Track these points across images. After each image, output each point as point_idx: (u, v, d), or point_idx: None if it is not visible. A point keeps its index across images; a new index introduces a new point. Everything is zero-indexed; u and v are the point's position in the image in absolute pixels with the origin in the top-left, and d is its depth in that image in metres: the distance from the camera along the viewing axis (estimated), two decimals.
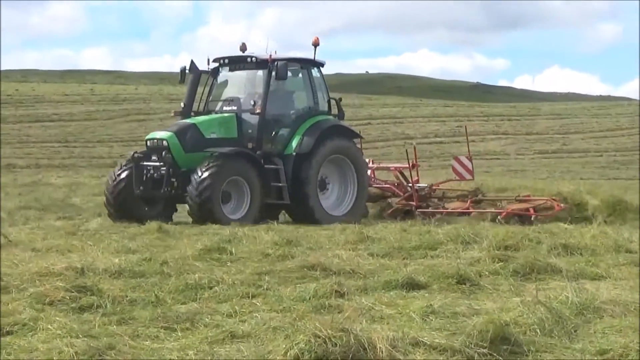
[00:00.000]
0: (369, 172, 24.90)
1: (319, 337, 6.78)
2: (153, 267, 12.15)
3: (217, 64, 23.95)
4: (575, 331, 8.32)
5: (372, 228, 17.20)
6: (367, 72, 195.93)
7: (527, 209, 22.26)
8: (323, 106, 23.76)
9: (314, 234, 16.69)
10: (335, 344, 6.73)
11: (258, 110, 22.54)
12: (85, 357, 7.42)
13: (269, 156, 22.60)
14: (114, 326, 8.79)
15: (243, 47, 23.87)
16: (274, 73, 22.57)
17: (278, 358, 6.72)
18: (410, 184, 24.51)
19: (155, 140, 22.23)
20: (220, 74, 24.12)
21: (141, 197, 22.06)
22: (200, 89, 23.90)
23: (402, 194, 24.64)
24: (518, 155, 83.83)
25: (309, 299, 9.91)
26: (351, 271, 11.71)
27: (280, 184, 22.32)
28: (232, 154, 21.88)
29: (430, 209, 23.44)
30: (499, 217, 21.39)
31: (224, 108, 23.39)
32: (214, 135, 22.33)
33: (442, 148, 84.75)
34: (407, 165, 24.79)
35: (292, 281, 11.14)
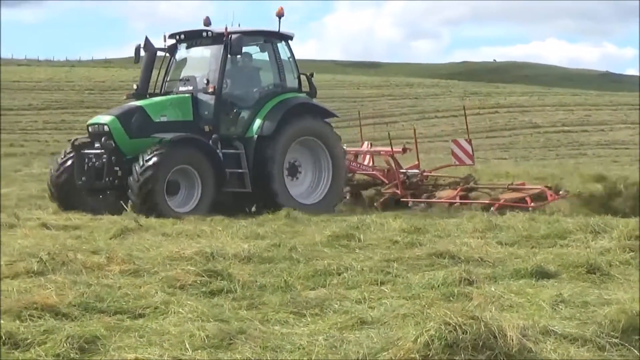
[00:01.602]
0: (367, 157, 23.69)
1: (449, 325, 6.73)
2: (282, 253, 12.20)
3: (174, 41, 21.73)
4: None
5: (500, 217, 16.96)
6: (494, 60, 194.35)
7: (522, 199, 20.71)
8: (291, 83, 21.60)
9: (441, 222, 16.57)
10: (465, 332, 6.68)
11: (211, 90, 20.39)
12: (216, 341, 7.48)
13: (229, 140, 20.60)
14: (244, 311, 8.85)
15: (206, 21, 21.57)
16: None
17: (408, 345, 6.68)
18: (402, 170, 22.81)
19: (97, 126, 20.21)
20: (178, 52, 21.90)
21: (84, 189, 20.10)
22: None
23: (387, 181, 22.83)
24: None
25: (438, 286, 9.86)
26: (479, 259, 11.63)
27: (240, 170, 20.30)
28: (179, 140, 19.76)
29: (414, 199, 21.89)
30: (492, 208, 19.93)
31: (180, 88, 21.17)
32: (164, 119, 20.32)
33: (570, 137, 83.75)
34: (399, 150, 23.26)
35: (420, 268, 11.09)
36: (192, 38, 21.44)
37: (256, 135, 20.37)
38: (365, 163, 23.66)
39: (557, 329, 7.39)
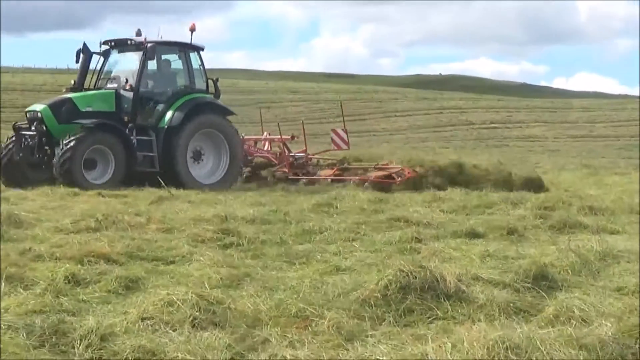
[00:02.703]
0: (266, 143, 22.77)
1: (403, 272, 6.75)
2: (278, 217, 12.19)
3: (107, 47, 20.60)
4: (598, 272, 8.17)
5: (442, 191, 16.95)
6: (440, 73, 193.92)
7: (389, 176, 19.74)
8: (200, 86, 20.58)
9: (399, 196, 16.59)
10: (415, 277, 6.70)
11: (128, 87, 19.56)
12: (227, 282, 7.51)
13: (144, 129, 19.57)
14: (249, 259, 8.86)
15: (138, 32, 20.33)
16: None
17: (372, 286, 6.71)
18: (291, 154, 21.93)
19: (33, 112, 19.40)
20: (111, 55, 20.65)
21: (20, 163, 19.10)
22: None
23: (276, 162, 21.82)
24: (554, 139, 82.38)
25: (395, 243, 9.87)
26: (427, 223, 11.63)
27: (151, 154, 19.37)
28: (95, 125, 18.84)
29: (299, 176, 20.73)
30: (366, 183, 18.90)
31: (108, 85, 20.15)
32: (89, 109, 19.27)
33: (496, 132, 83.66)
34: (289, 137, 22.47)
35: (382, 230, 11.09)
36: (121, 45, 20.55)
37: (166, 126, 19.52)
38: (265, 148, 22.71)
39: (484, 276, 7.39)
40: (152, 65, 20.36)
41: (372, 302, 6.53)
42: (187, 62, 20.57)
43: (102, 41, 20.58)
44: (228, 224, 10.81)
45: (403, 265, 6.83)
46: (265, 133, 23.31)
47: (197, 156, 20.13)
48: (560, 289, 7.34)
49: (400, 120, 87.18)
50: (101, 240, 9.21)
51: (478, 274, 7.44)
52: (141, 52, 19.72)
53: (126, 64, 20.54)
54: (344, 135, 21.86)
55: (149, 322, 5.91)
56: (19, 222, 10.70)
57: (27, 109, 19.99)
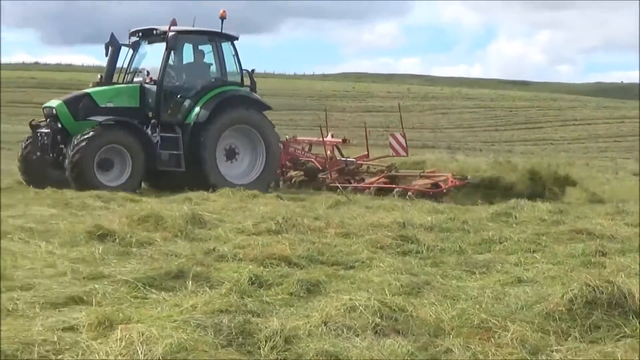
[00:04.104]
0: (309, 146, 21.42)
1: (589, 286, 6.57)
2: (456, 225, 12.06)
3: (136, 38, 19.41)
4: None
5: (627, 203, 16.36)
6: (621, 82, 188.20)
7: (434, 184, 18.46)
8: (233, 78, 19.32)
9: (579, 207, 16.15)
10: (602, 292, 6.50)
11: (148, 80, 18.52)
12: (408, 289, 7.49)
13: (170, 125, 18.40)
14: (429, 267, 8.82)
15: (173, 22, 19.14)
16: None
17: (556, 300, 6.55)
18: (344, 159, 20.61)
19: (48, 109, 18.35)
20: (140, 47, 19.43)
21: (38, 162, 18.04)
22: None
23: (320, 167, 20.43)
24: None
25: (578, 256, 9.60)
26: (611, 236, 11.25)
27: (177, 152, 18.14)
28: (110, 123, 17.64)
29: (342, 183, 19.07)
30: (409, 193, 17.64)
31: (134, 79, 18.97)
32: (110, 105, 18.15)
33: None
34: (339, 141, 21.15)
35: (563, 241, 10.79)
36: (148, 36, 19.21)
37: (193, 122, 18.33)
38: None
39: None
40: (178, 56, 19.27)
41: (557, 316, 6.39)
42: (219, 53, 19.23)
43: (130, 32, 19.38)
44: (406, 231, 10.78)
45: (589, 280, 6.65)
46: (329, 134, 22.02)
47: (231, 154, 18.98)
48: None
49: (579, 129, 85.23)
50: (282, 243, 9.33)
51: None
52: (164, 43, 18.49)
53: (153, 56, 19.23)
54: (403, 141, 20.67)
55: (331, 326, 5.97)
56: (203, 222, 11.02)
57: (43, 105, 18.98)
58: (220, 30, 19.01)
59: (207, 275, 7.57)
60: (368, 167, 20.84)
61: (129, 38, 19.25)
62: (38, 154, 17.95)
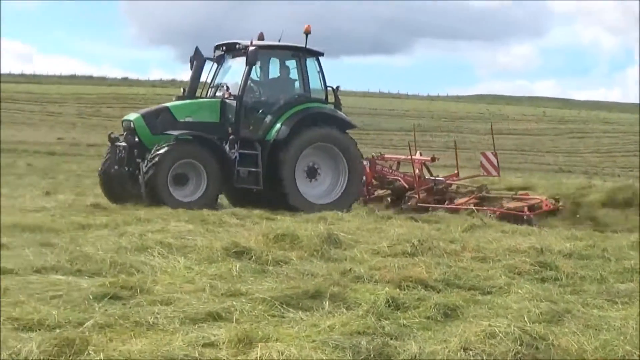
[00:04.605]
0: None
1: None
2: (596, 252, 11.69)
3: (220, 52, 19.04)
4: None
5: None
6: None
7: (521, 209, 17.64)
8: (317, 94, 18.70)
9: None
10: None
11: (227, 96, 18.11)
12: (547, 317, 7.31)
13: (250, 141, 17.91)
14: (569, 295, 8.60)
15: (260, 36, 18.79)
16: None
17: None
18: (432, 177, 19.95)
19: (126, 122, 18.08)
20: (225, 61, 19.09)
21: (117, 176, 17.92)
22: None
23: (407, 185, 19.69)
24: None
25: None
26: None
27: (256, 170, 17.69)
28: (186, 137, 17.36)
29: (429, 204, 18.67)
30: (491, 214, 17.13)
31: (217, 94, 18.64)
32: (189, 119, 17.80)
33: None
34: (428, 159, 20.43)
35: None
36: (231, 50, 18.84)
37: (272, 139, 17.85)
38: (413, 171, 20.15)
39: None
40: (262, 71, 18.96)
41: None
42: (302, 68, 18.68)
43: (215, 45, 19.12)
44: (545, 257, 10.56)
45: None
46: (417, 153, 21.25)
47: (312, 173, 18.47)
48: None
49: None
50: (418, 266, 9.27)
51: None
52: (245, 57, 18.10)
53: (237, 70, 18.70)
54: (494, 160, 19.72)
55: (470, 352, 5.89)
56: (338, 243, 11.03)
57: (122, 118, 18.81)
58: (304, 46, 18.60)
59: (343, 296, 7.58)
60: (457, 187, 20.20)
61: (214, 52, 19.05)
62: (116, 167, 17.92)
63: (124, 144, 17.87)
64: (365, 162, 19.54)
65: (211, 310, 6.91)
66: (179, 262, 9.34)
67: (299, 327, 6.44)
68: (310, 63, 18.73)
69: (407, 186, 19.69)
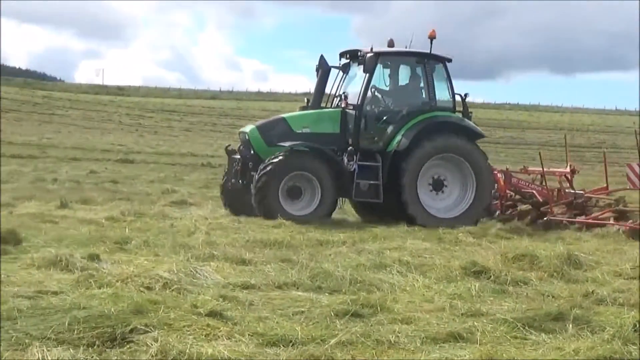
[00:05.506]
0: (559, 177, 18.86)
1: None
2: None
3: (346, 59, 18.17)
4: None
5: None
6: None
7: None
8: (444, 103, 17.63)
9: None
10: None
11: (343, 105, 17.29)
12: None
13: (370, 153, 17.12)
14: None
15: (390, 43, 17.88)
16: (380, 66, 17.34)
17: None
18: (572, 191, 18.26)
19: (242, 134, 17.63)
20: (351, 69, 18.15)
21: (234, 189, 17.44)
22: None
23: (541, 199, 18.12)
24: None
25: None
26: None
27: (376, 182, 16.88)
28: (300, 149, 16.76)
29: (562, 218, 17.08)
30: (621, 229, 15.56)
31: (338, 103, 17.79)
32: (306, 130, 17.14)
33: None
34: (567, 171, 18.76)
35: None
36: (355, 57, 17.91)
37: (393, 150, 17.00)
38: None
39: None
40: (392, 79, 18.18)
41: None
42: (427, 75, 17.69)
43: (339, 53, 18.43)
44: None
45: None
46: (570, 165, 19.47)
47: (438, 186, 17.52)
48: None
49: None
50: None
51: None
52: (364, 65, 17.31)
53: (358, 79, 17.93)
54: None
55: None
56: (579, 263, 10.77)
57: (239, 130, 18.52)
58: (429, 51, 17.70)
59: (587, 319, 7.40)
60: (597, 201, 18.62)
61: (339, 60, 18.42)
62: (233, 181, 17.60)
63: (239, 156, 17.67)
64: (499, 175, 18.72)
65: (452, 330, 6.92)
66: (417, 280, 9.43)
67: (542, 350, 6.37)
68: (438, 70, 17.88)
69: (541, 199, 18.40)
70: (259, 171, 16.50)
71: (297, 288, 8.80)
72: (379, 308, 7.76)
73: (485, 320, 7.30)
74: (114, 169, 34.63)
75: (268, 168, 16.44)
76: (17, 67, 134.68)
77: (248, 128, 17.75)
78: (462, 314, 7.65)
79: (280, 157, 16.56)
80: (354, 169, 16.97)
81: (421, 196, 17.12)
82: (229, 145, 18.95)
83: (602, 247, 13.56)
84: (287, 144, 16.94)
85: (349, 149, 17.06)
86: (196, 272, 9.12)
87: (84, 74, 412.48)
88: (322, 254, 11.42)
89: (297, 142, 17.00)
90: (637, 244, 14.17)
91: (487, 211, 17.98)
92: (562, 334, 6.98)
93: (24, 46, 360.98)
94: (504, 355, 6.02)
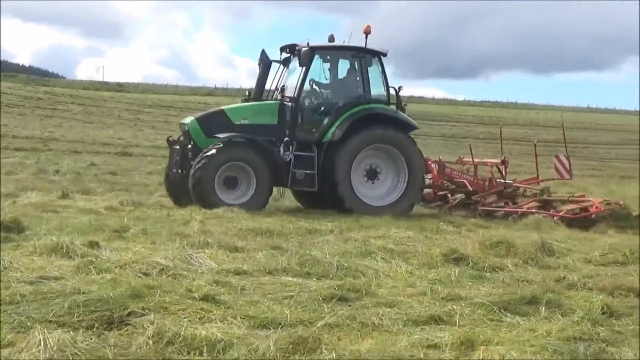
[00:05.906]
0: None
1: None
2: None
3: (287, 54, 17.99)
4: None
5: None
6: None
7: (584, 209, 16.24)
8: (378, 96, 17.49)
9: None
10: None
11: (279, 97, 17.31)
12: None
13: (307, 143, 16.99)
14: None
15: (331, 38, 17.83)
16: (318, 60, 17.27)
17: None
18: (503, 181, 18.57)
19: (182, 125, 17.48)
20: (291, 63, 17.94)
21: (175, 179, 17.32)
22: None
23: (471, 188, 18.50)
24: None
25: None
26: None
27: (311, 172, 16.79)
28: (233, 140, 16.65)
29: (491, 208, 17.51)
30: (554, 218, 15.75)
31: (277, 96, 17.67)
32: (245, 122, 17.00)
33: None
34: (498, 161, 19.10)
35: None
36: (294, 52, 17.73)
37: (328, 141, 16.92)
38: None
39: None
40: (331, 73, 18.02)
41: None
42: (362, 69, 17.58)
43: (280, 47, 18.21)
44: None
45: None
46: (502, 156, 19.70)
47: (372, 175, 17.46)
48: None
49: None
50: (631, 275, 9.05)
51: None
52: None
53: (298, 72, 17.65)
54: (567, 163, 18.54)
55: None
56: (552, 251, 10.85)
57: (180, 122, 18.28)
58: (363, 46, 17.51)
59: (558, 303, 7.44)
60: (524, 191, 18.94)
61: (280, 54, 18.24)
62: (174, 170, 17.51)
63: (178, 147, 17.52)
64: (433, 165, 18.90)
65: (433, 313, 6.95)
66: (400, 266, 9.46)
67: (517, 332, 6.40)
68: (374, 64, 17.71)
69: (470, 189, 18.71)
70: (195, 162, 16.41)
71: (287, 274, 8.80)
72: (364, 292, 7.79)
73: (463, 304, 7.34)
74: (113, 161, 34.53)
75: (204, 159, 16.32)
76: (21, 64, 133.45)
77: (188, 119, 17.59)
78: (442, 298, 7.68)
79: (217, 148, 16.46)
80: (290, 159, 16.89)
81: (356, 186, 17.11)
82: (170, 136, 18.76)
83: (573, 235, 13.63)
84: (225, 135, 16.83)
85: (285, 139, 16.93)
86: (191, 259, 9.14)
87: (85, 71, 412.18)
88: (310, 241, 11.44)
89: (234, 134, 16.88)
90: (607, 232, 14.30)
91: (418, 198, 17.95)
92: (536, 316, 7.02)
93: (28, 44, 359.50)
94: (480, 336, 6.05)
